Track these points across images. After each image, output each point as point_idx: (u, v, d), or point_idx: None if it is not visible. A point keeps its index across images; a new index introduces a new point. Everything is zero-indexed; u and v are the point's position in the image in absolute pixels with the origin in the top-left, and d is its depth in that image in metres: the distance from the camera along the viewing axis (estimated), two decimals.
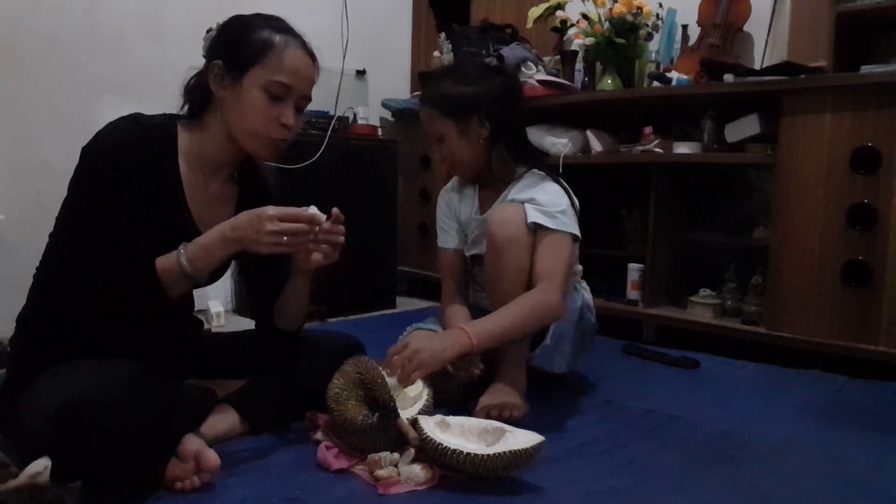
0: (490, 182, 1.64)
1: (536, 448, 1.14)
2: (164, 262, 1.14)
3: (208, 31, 1.29)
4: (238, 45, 1.21)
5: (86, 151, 1.15)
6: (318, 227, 1.19)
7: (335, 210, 1.26)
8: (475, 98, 1.54)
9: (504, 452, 1.11)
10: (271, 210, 1.13)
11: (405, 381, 1.34)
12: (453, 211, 1.72)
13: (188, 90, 1.28)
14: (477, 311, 1.71)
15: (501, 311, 1.43)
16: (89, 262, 1.12)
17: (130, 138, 1.15)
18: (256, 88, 1.20)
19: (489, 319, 1.43)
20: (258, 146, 1.25)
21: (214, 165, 1.28)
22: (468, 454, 1.11)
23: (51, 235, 1.22)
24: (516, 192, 1.56)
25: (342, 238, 1.26)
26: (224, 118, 1.23)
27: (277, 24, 1.24)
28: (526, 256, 1.46)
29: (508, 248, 1.46)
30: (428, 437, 1.15)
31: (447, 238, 1.72)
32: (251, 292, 1.44)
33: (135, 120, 1.18)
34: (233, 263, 1.44)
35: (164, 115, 1.25)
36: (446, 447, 1.13)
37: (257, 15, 1.26)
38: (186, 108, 1.28)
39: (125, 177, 1.13)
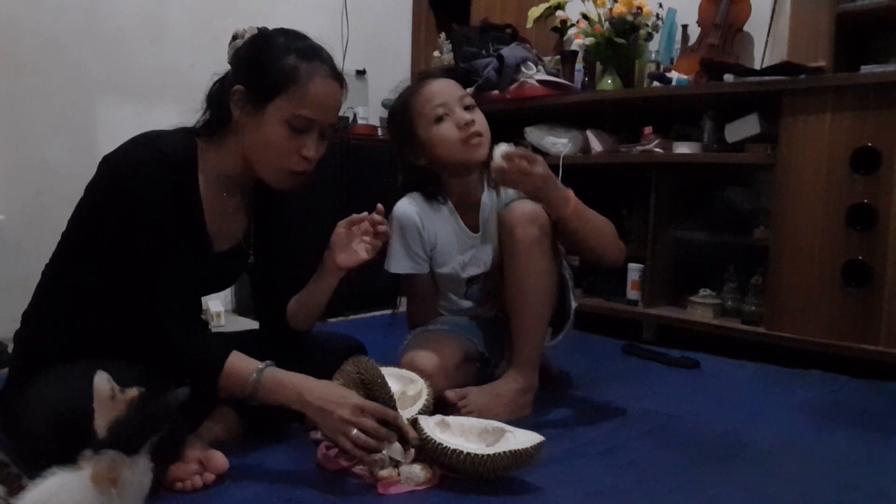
0: (468, 190, 1.59)
1: (536, 448, 1.14)
2: (237, 364, 1.13)
3: (234, 39, 1.25)
4: (261, 72, 1.17)
5: (111, 173, 1.14)
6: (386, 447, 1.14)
7: (379, 206, 1.30)
8: None
9: (504, 452, 1.11)
10: (368, 414, 1.10)
11: (512, 172, 1.31)
12: (424, 238, 1.58)
13: (210, 100, 1.25)
14: (466, 319, 1.68)
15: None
16: (123, 281, 1.12)
17: (157, 169, 1.13)
18: (278, 121, 1.16)
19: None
20: (276, 177, 1.23)
21: (233, 181, 1.27)
22: (468, 454, 1.11)
23: (64, 236, 1.21)
24: (504, 192, 1.56)
25: (385, 227, 1.30)
26: (243, 142, 1.21)
27: (304, 48, 1.19)
28: (551, 256, 1.46)
29: (534, 250, 1.43)
30: (428, 437, 1.15)
31: (419, 265, 1.59)
32: (258, 293, 1.44)
33: (157, 148, 1.14)
34: None
35: (181, 132, 1.23)
36: (446, 447, 1.13)
37: (283, 33, 1.21)
38: (205, 119, 1.25)
39: (153, 202, 1.12)
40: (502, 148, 1.34)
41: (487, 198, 1.60)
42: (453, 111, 1.49)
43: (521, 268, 1.44)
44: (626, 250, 1.49)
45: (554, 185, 1.36)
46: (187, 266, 1.20)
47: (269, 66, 1.17)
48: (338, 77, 1.23)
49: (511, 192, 1.58)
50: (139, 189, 1.12)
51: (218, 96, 1.23)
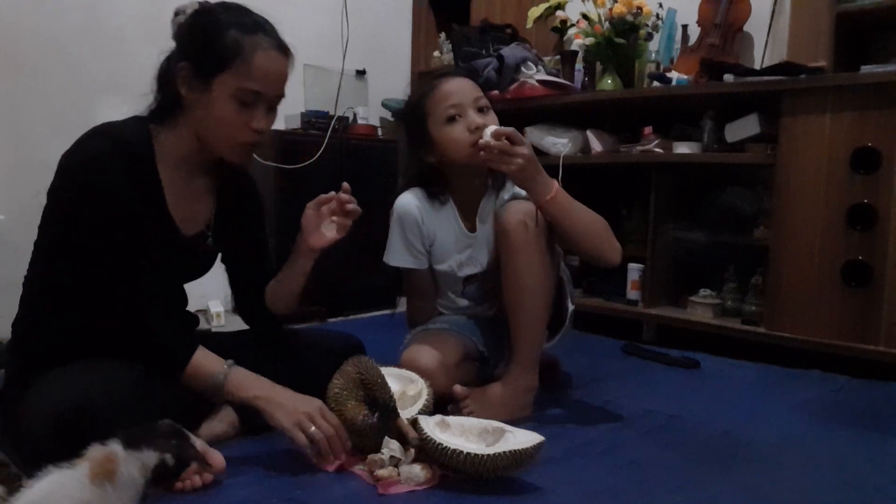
0: (470, 190, 1.59)
1: (536, 448, 1.14)
2: (204, 361, 1.17)
3: (176, 15, 1.25)
4: (205, 48, 1.17)
5: (71, 169, 1.15)
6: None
7: (345, 184, 1.28)
8: None
9: (504, 452, 1.11)
10: (320, 410, 1.17)
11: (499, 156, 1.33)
12: (423, 233, 1.58)
13: (160, 79, 1.25)
14: (465, 318, 1.67)
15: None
16: (104, 276, 1.14)
17: (114, 158, 1.14)
18: (226, 96, 1.17)
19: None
20: (229, 152, 1.23)
21: (192, 163, 1.27)
22: (468, 454, 1.11)
23: (36, 244, 1.22)
24: (507, 192, 1.56)
25: (354, 205, 1.28)
26: (193, 121, 1.21)
27: (246, 22, 1.19)
28: (547, 255, 1.45)
29: (529, 249, 1.42)
30: (428, 437, 1.15)
31: (418, 260, 1.60)
32: (234, 280, 1.45)
33: (111, 138, 1.16)
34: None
35: (133, 119, 1.23)
36: (446, 447, 1.12)
37: (224, 8, 1.21)
38: (156, 102, 1.24)
39: (115, 191, 1.13)
40: (492, 128, 1.37)
41: (488, 199, 1.60)
42: (466, 113, 1.48)
43: (517, 267, 1.44)
44: (621, 250, 1.47)
45: (538, 170, 1.37)
46: (156, 252, 1.20)
47: (212, 41, 1.16)
48: (282, 48, 1.22)
49: (507, 193, 1.58)
50: (99, 179, 1.13)
51: (166, 75, 1.23)
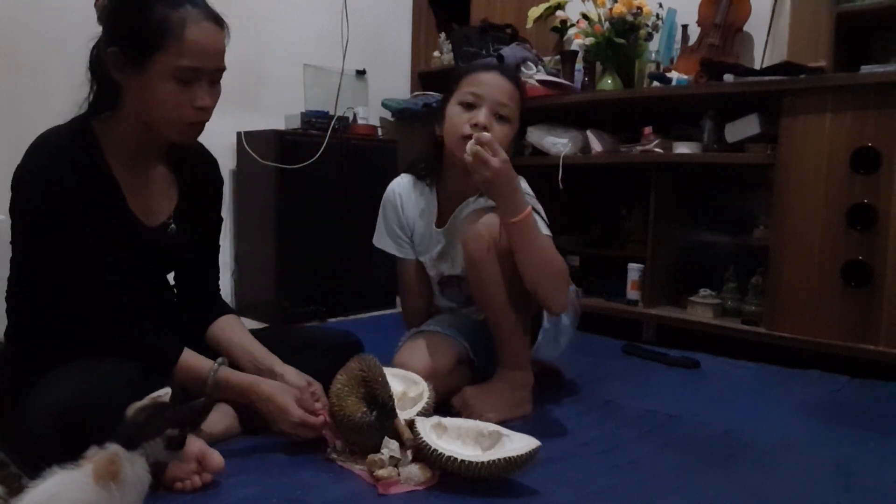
0: (459, 186, 1.57)
1: (532, 454, 1.13)
2: (193, 361, 1.20)
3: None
4: (132, 29, 1.11)
5: (21, 188, 1.15)
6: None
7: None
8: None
9: (498, 460, 1.11)
10: (296, 418, 1.22)
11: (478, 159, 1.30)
12: (402, 221, 1.59)
13: (93, 70, 1.21)
14: (460, 319, 1.66)
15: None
16: (71, 277, 1.15)
17: (59, 165, 1.13)
18: (163, 77, 1.12)
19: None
20: (176, 133, 1.20)
21: (144, 151, 1.25)
22: (462, 461, 1.11)
23: (12, 261, 1.22)
24: (486, 200, 1.53)
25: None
26: (134, 106, 1.18)
27: None
28: (507, 265, 1.40)
29: (485, 260, 1.40)
30: (423, 441, 1.15)
31: (401, 248, 1.61)
32: (183, 269, 1.42)
33: (52, 146, 1.15)
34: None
35: (72, 121, 1.21)
36: (441, 453, 1.12)
37: None
38: (94, 95, 1.22)
39: (69, 198, 1.13)
40: (484, 132, 1.36)
41: (474, 201, 1.56)
42: (480, 107, 1.46)
43: (478, 279, 1.43)
44: (566, 305, 1.43)
45: (509, 188, 1.33)
46: (123, 247, 1.19)
47: (138, 21, 1.10)
48: (213, 18, 1.16)
49: (484, 199, 1.54)
50: (51, 183, 1.12)
51: (98, 63, 1.19)
